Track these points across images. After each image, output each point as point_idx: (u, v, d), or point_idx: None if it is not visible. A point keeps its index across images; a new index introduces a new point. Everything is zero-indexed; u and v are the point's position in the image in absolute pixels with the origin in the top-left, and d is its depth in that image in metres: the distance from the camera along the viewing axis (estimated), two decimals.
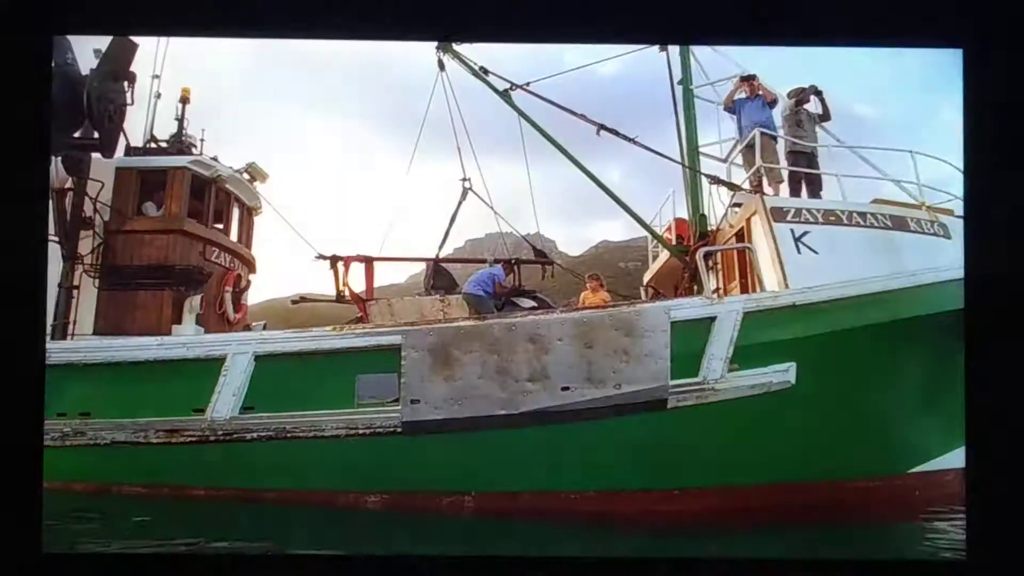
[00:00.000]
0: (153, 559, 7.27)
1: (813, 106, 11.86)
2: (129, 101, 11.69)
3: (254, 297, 14.66)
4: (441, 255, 13.78)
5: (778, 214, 10.54)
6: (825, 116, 11.86)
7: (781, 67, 12.93)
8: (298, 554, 8.35)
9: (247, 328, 13.39)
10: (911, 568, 6.50)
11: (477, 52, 12.27)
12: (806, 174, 11.51)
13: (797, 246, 10.37)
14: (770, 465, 9.84)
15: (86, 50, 11.34)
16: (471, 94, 13.02)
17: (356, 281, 12.77)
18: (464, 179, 13.79)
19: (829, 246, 10.42)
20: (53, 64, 10.46)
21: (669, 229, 13.24)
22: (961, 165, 6.08)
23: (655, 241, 13.62)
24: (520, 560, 6.97)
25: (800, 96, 11.85)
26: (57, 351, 10.76)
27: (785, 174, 11.56)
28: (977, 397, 5.73)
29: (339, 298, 12.71)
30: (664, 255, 13.08)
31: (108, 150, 11.42)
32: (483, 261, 13.62)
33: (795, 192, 11.46)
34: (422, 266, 13.76)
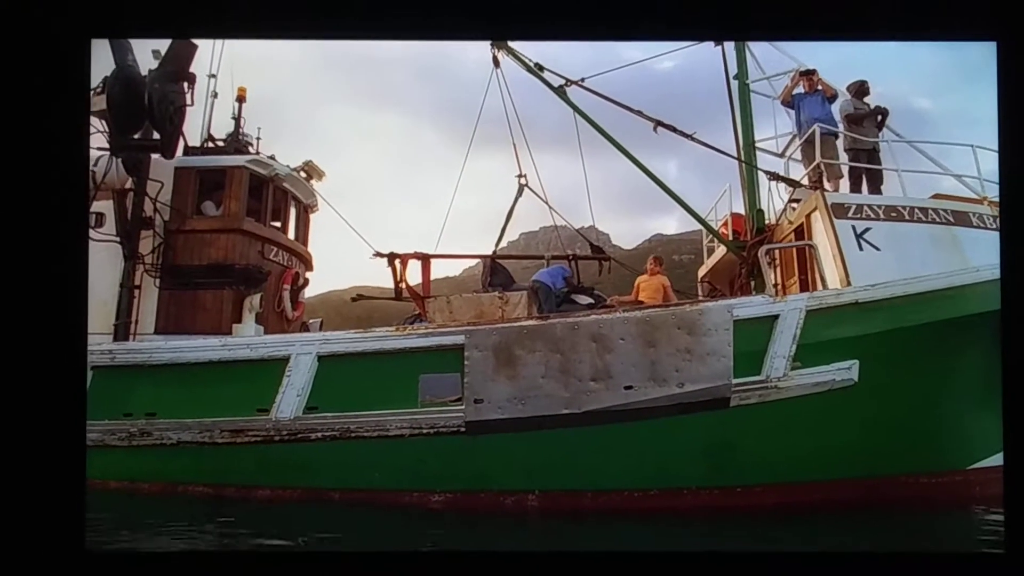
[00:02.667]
0: (194, 557, 7.30)
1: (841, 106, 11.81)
2: (189, 102, 11.74)
3: (311, 290, 14.77)
4: (497, 251, 13.74)
5: (839, 210, 10.50)
6: (879, 127, 11.78)
7: (834, 60, 12.83)
8: (350, 552, 8.20)
9: (304, 325, 13.50)
10: (947, 560, 6.45)
11: (532, 48, 12.28)
12: (867, 170, 11.43)
13: (859, 242, 10.34)
14: (832, 462, 9.83)
15: (145, 51, 11.43)
16: (525, 90, 13.02)
17: (412, 277, 12.82)
18: (520, 175, 13.80)
19: (891, 242, 10.39)
20: (114, 66, 10.73)
21: (725, 224, 13.20)
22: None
23: (710, 236, 13.58)
24: (583, 556, 6.98)
25: (860, 89, 11.77)
26: (123, 352, 10.92)
27: (845, 170, 11.50)
28: (1014, 390, 5.67)
29: (398, 295, 12.76)
30: (720, 250, 13.05)
31: (169, 151, 11.48)
32: (540, 257, 13.64)
33: (856, 188, 11.38)
34: (476, 261, 13.75)
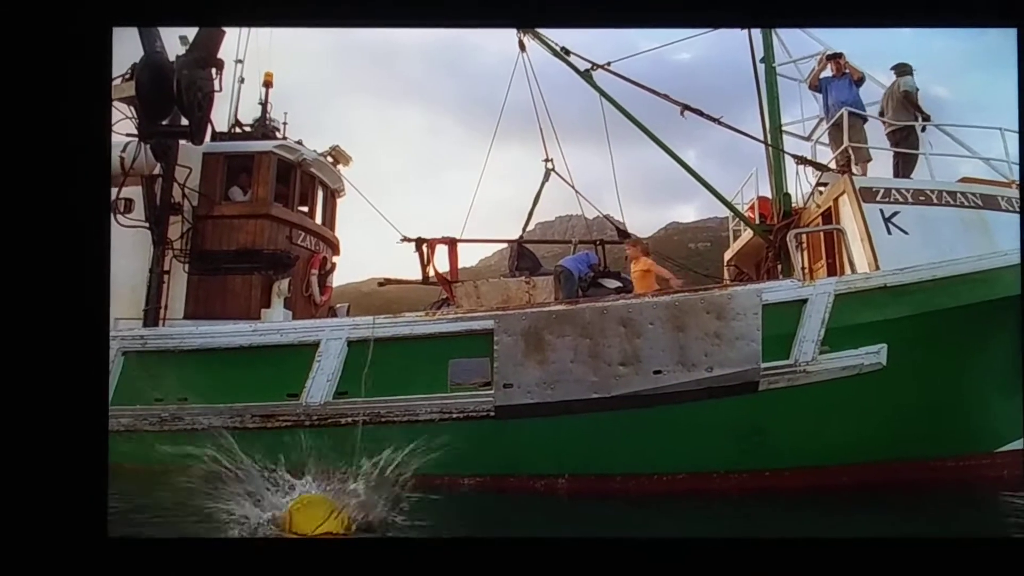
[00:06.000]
0: (217, 544, 7.31)
1: (905, 83, 11.72)
2: (217, 88, 11.80)
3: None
4: (523, 236, 13.71)
5: (867, 194, 10.45)
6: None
7: (852, 49, 12.77)
8: (381, 538, 8.17)
9: (332, 310, 13.54)
10: (969, 544, 6.47)
11: (557, 34, 12.24)
12: (905, 153, 11.39)
13: (887, 226, 10.29)
14: (860, 446, 9.84)
15: (172, 38, 11.48)
16: (544, 82, 13.02)
17: (439, 264, 12.84)
18: (547, 159, 13.78)
19: (920, 226, 10.33)
20: (143, 53, 10.78)
21: (751, 208, 13.19)
22: None
23: (735, 220, 13.56)
24: (613, 541, 6.99)
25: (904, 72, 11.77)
26: (154, 338, 10.98)
27: (875, 153, 11.46)
28: None
29: (425, 280, 12.79)
30: (746, 234, 13.02)
31: (197, 137, 11.55)
32: (567, 242, 13.65)
33: (906, 172, 11.33)
34: (493, 250, 13.81)
